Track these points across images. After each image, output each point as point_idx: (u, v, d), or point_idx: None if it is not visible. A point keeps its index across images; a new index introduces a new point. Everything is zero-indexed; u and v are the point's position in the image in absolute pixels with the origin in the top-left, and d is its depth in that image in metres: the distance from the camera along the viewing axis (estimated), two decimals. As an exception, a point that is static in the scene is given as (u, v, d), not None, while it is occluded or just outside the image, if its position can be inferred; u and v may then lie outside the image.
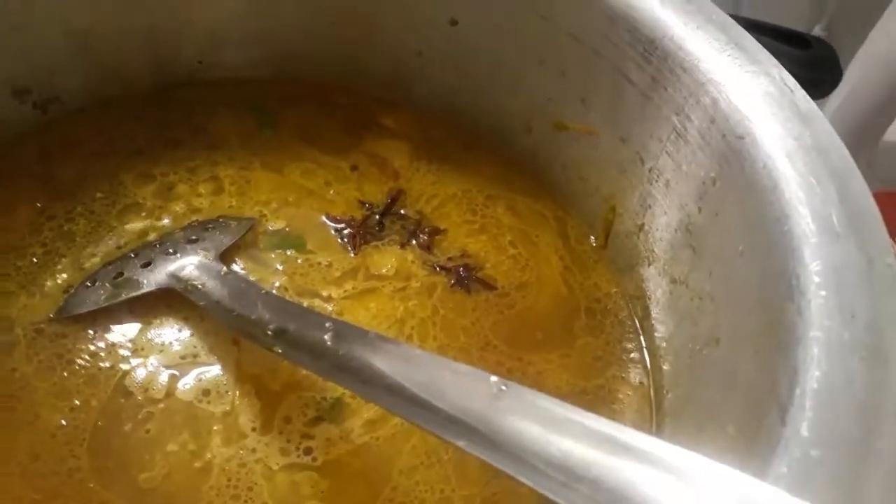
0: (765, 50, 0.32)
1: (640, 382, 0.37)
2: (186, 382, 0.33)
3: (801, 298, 0.24)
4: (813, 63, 0.48)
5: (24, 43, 0.39)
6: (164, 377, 0.33)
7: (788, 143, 0.28)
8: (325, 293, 0.37)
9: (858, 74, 0.64)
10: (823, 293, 0.24)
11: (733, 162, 0.30)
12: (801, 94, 0.31)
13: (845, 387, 0.22)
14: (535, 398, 0.23)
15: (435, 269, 0.39)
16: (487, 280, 0.40)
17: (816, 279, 0.24)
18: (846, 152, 0.28)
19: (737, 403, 0.27)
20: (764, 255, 0.27)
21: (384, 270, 0.39)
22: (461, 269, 0.40)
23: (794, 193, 0.27)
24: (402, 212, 0.42)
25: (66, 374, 0.33)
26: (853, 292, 0.24)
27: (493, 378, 0.24)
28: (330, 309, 0.37)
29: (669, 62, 0.33)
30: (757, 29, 0.48)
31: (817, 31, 0.86)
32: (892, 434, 0.21)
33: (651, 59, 0.34)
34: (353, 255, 0.39)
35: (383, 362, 0.26)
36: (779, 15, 0.76)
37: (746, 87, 0.31)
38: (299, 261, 0.38)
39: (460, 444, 0.23)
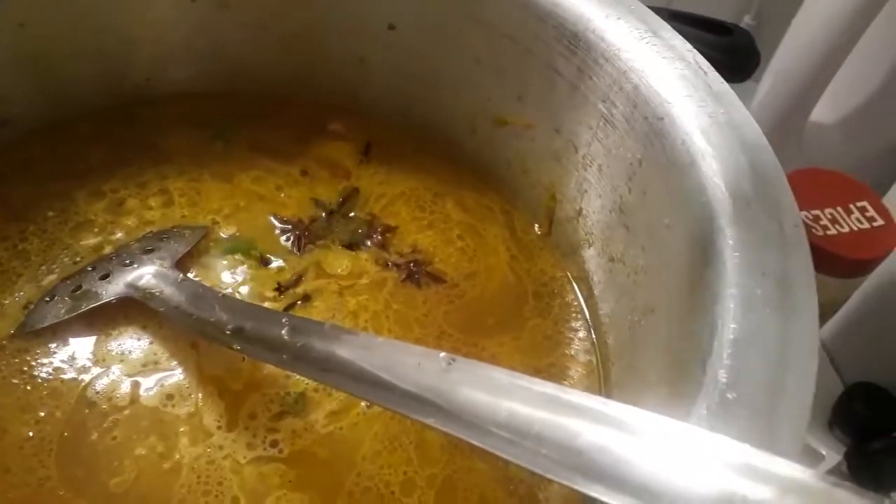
0: (679, 36, 0.35)
1: (589, 359, 0.39)
2: (149, 389, 0.34)
3: (718, 261, 0.26)
4: (733, 49, 0.51)
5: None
6: (126, 385, 0.34)
7: (703, 121, 0.31)
8: (272, 296, 0.39)
9: (783, 60, 0.67)
10: (738, 254, 0.26)
11: (655, 142, 0.32)
12: (714, 75, 0.33)
13: (758, 336, 0.24)
14: (482, 368, 0.25)
15: (387, 265, 0.41)
16: (437, 274, 0.41)
17: (731, 242, 0.27)
18: (757, 127, 0.31)
19: (667, 363, 0.29)
20: (686, 225, 0.30)
21: (339, 270, 0.40)
22: (412, 264, 0.41)
23: (710, 166, 0.29)
24: (352, 214, 0.43)
25: (29, 388, 0.34)
26: (764, 253, 0.27)
27: (442, 354, 0.26)
28: (283, 308, 0.38)
29: (593, 53, 0.36)
30: (681, 19, 0.51)
31: (746, 20, 0.90)
32: (798, 375, 0.23)
33: (576, 51, 0.36)
34: (299, 255, 0.40)
35: (342, 351, 0.28)
36: (709, 6, 0.79)
37: (664, 72, 0.33)
38: (252, 264, 0.40)
39: (418, 417, 0.24)
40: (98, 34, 0.43)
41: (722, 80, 0.33)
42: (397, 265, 0.41)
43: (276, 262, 0.40)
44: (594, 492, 0.21)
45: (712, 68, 0.33)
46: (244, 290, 0.39)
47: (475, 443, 0.23)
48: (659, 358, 0.31)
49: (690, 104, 0.32)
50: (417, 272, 0.41)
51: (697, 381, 0.24)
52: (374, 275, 0.41)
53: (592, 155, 0.38)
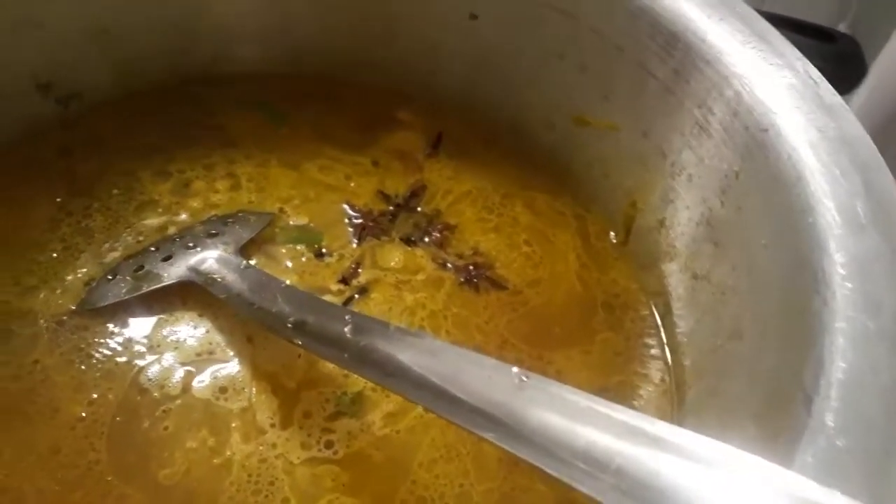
0: (789, 43, 0.32)
1: (662, 379, 0.37)
2: (202, 380, 0.33)
3: (826, 290, 0.24)
4: (837, 57, 0.48)
5: (45, 39, 0.39)
6: (179, 374, 0.33)
7: (812, 135, 0.28)
8: (334, 288, 0.37)
9: (884, 70, 0.63)
10: (849, 284, 0.24)
11: (757, 154, 0.30)
12: (826, 86, 0.30)
13: (871, 377, 0.22)
14: (558, 389, 0.23)
15: (445, 265, 0.39)
16: (497, 279, 0.39)
17: (842, 271, 0.24)
18: (872, 144, 0.28)
19: (759, 397, 0.27)
20: (788, 247, 0.27)
21: (392, 263, 0.39)
22: (471, 266, 0.39)
23: (819, 185, 0.27)
24: (419, 209, 0.42)
25: (83, 367, 0.33)
26: (879, 283, 0.24)
27: (515, 369, 0.24)
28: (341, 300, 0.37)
29: (692, 55, 0.33)
30: (780, 23, 0.48)
31: (842, 27, 0.86)
32: (921, 423, 0.21)
33: (673, 52, 0.34)
34: (355, 245, 0.39)
35: (405, 355, 0.26)
36: (803, 11, 0.75)
37: (770, 80, 0.31)
38: (311, 256, 0.38)
39: (485, 434, 0.23)
40: (168, 6, 0.43)
41: (834, 92, 0.30)
42: (456, 266, 0.39)
43: (337, 253, 0.39)
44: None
45: (824, 79, 0.31)
46: (307, 280, 0.37)
47: (548, 470, 0.21)
48: (745, 388, 0.29)
49: (799, 116, 0.29)
50: (476, 276, 0.39)
51: (800, 422, 0.21)
52: (431, 272, 0.39)
53: (683, 163, 0.35)
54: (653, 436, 0.21)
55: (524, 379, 0.24)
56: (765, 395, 0.26)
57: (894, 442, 0.20)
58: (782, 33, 0.34)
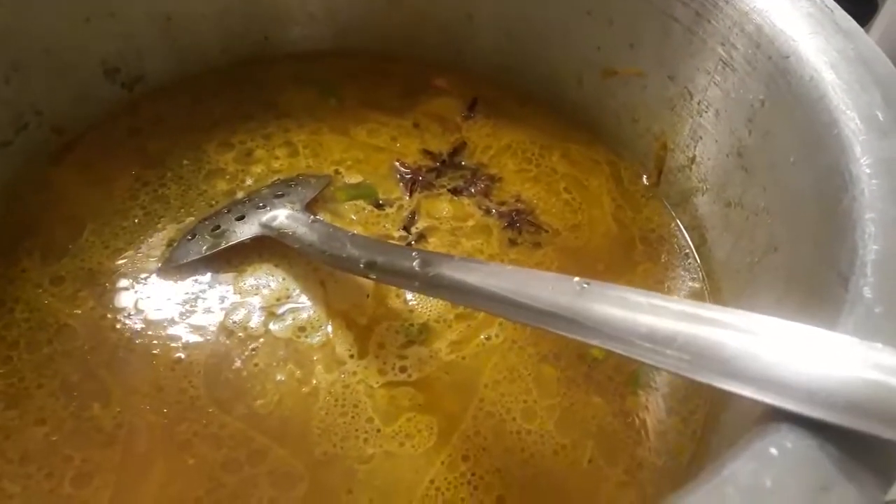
0: (803, -23, 0.35)
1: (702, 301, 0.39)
2: (283, 321, 0.37)
3: (854, 188, 0.27)
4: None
5: (115, 27, 0.42)
6: (261, 317, 0.37)
7: (832, 56, 0.31)
8: (396, 235, 0.41)
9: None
10: (876, 181, 0.26)
11: (780, 81, 0.32)
12: (840, 13, 0.33)
13: (901, 255, 0.24)
14: (616, 290, 0.26)
15: (490, 212, 0.42)
16: (539, 223, 0.42)
17: (868, 170, 0.27)
18: (889, 62, 0.31)
19: (799, 295, 0.29)
20: (816, 159, 0.30)
21: (444, 213, 0.42)
22: (514, 213, 0.42)
23: (841, 99, 0.29)
24: (463, 163, 0.45)
25: (174, 316, 0.36)
26: (903, 179, 0.27)
27: (576, 279, 0.27)
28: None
29: (713, -4, 0.36)
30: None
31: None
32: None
33: (695, -5, 0.37)
34: (408, 198, 0.42)
35: (473, 278, 0.29)
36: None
37: (788, 11, 0.33)
38: (371, 209, 0.42)
39: (556, 330, 0.26)
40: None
41: (849, 17, 0.33)
42: (500, 213, 0.42)
43: (396, 204, 0.42)
44: (740, 389, 0.21)
45: (838, 6, 0.33)
46: (371, 229, 0.41)
47: (617, 351, 0.24)
48: (782, 293, 0.31)
49: (818, 41, 0.32)
50: (519, 220, 0.42)
51: (839, 299, 0.24)
52: (479, 219, 0.42)
53: (709, 100, 0.38)
54: (709, 318, 0.23)
55: (584, 286, 0.26)
56: (803, 293, 0.29)
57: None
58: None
